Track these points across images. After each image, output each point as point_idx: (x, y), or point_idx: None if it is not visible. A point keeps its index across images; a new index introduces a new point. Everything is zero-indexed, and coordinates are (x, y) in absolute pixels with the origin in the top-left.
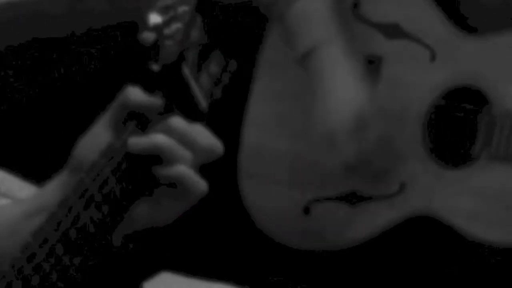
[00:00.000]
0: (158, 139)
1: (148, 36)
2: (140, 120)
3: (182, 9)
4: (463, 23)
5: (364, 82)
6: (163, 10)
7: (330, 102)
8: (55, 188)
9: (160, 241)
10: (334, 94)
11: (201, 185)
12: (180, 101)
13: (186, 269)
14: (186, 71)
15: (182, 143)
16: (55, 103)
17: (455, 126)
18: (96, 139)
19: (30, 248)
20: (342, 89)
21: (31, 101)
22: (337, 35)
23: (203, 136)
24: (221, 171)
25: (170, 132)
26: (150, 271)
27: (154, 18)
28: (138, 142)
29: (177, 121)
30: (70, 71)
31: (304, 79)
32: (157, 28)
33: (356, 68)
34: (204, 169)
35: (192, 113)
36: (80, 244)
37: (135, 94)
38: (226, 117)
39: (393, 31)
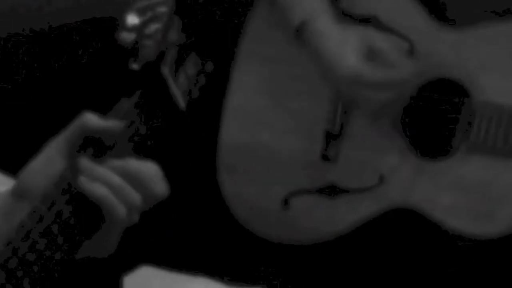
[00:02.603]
0: (100, 192)
1: (126, 37)
2: (97, 147)
3: (160, 10)
4: (442, 15)
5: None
6: (141, 11)
7: (336, 57)
8: None
9: (140, 235)
10: (335, 56)
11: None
12: (159, 100)
13: (166, 263)
14: (165, 71)
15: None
16: (33, 98)
17: (434, 118)
18: (48, 165)
19: (14, 243)
20: (341, 49)
21: (9, 95)
22: (327, 5)
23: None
24: (200, 165)
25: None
26: (130, 265)
27: (132, 19)
28: (88, 186)
29: (131, 164)
30: (48, 67)
31: (281, 72)
32: (135, 29)
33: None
34: (183, 165)
35: (171, 112)
36: (61, 239)
37: (92, 119)
38: (204, 115)
39: (372, 23)
